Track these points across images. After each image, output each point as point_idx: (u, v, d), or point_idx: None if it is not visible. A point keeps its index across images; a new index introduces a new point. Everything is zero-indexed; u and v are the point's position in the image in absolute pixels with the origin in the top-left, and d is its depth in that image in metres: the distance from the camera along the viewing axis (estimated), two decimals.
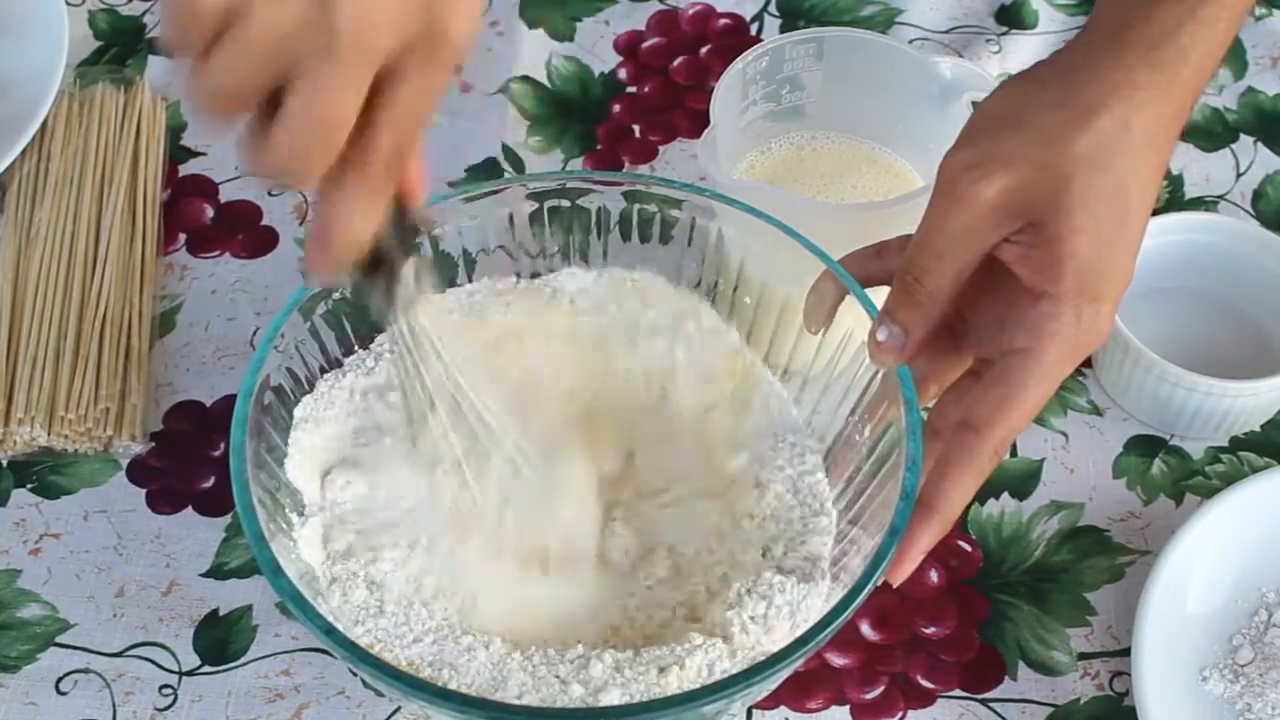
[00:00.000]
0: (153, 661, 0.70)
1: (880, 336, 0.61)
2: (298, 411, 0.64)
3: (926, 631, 0.71)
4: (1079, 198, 0.57)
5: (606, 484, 0.66)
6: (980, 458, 0.58)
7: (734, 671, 0.57)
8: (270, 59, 0.46)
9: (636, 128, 0.92)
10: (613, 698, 0.57)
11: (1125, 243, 0.58)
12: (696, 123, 0.91)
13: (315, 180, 0.49)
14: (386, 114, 0.49)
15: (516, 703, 0.58)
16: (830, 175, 0.77)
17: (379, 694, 0.68)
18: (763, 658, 0.57)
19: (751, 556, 0.63)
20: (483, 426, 0.60)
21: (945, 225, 0.59)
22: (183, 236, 0.86)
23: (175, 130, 0.91)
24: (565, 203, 0.70)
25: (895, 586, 0.59)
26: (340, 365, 0.67)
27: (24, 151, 0.86)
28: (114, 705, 0.68)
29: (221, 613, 0.71)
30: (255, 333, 0.82)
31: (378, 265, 0.54)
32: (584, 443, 0.66)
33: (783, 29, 0.96)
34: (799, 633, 0.58)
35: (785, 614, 0.60)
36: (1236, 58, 0.94)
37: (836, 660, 0.70)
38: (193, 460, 0.77)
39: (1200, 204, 0.87)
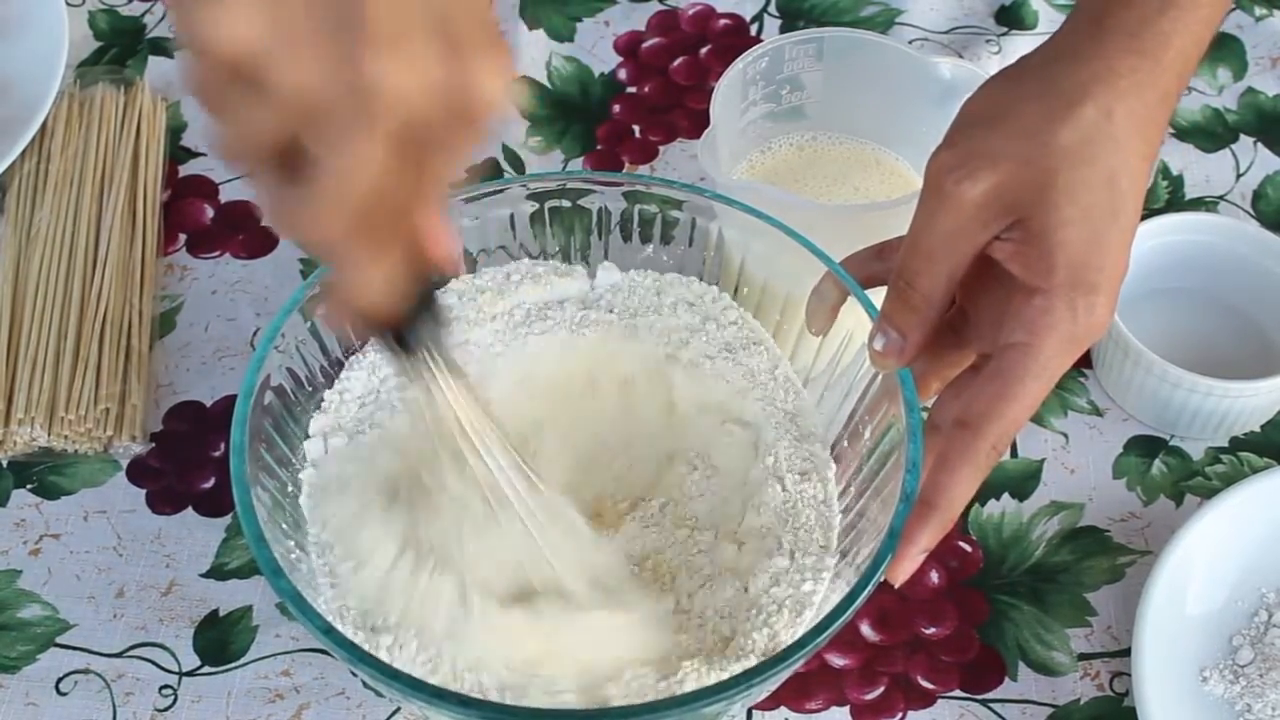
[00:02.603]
0: (153, 662, 0.70)
1: (878, 345, 0.61)
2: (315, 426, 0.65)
3: (927, 632, 0.71)
4: (1065, 191, 0.56)
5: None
6: (977, 455, 0.58)
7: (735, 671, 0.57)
8: (291, 116, 0.43)
9: (636, 128, 0.92)
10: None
11: (1118, 232, 0.57)
12: (696, 123, 0.91)
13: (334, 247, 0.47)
14: (411, 180, 0.45)
15: (517, 703, 0.58)
16: (831, 176, 0.77)
17: (379, 694, 0.68)
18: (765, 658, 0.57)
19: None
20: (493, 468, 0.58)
21: (933, 227, 0.58)
22: (183, 237, 0.86)
23: (175, 130, 0.91)
24: (565, 203, 0.70)
25: (896, 586, 0.59)
26: (342, 365, 0.67)
27: (24, 152, 0.86)
28: (114, 705, 0.68)
29: (221, 613, 0.71)
30: (255, 333, 0.82)
31: (397, 326, 0.52)
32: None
33: (783, 29, 0.96)
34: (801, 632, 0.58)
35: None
36: (1236, 58, 0.94)
37: (837, 661, 0.70)
38: (193, 460, 0.77)
39: (1200, 204, 0.87)
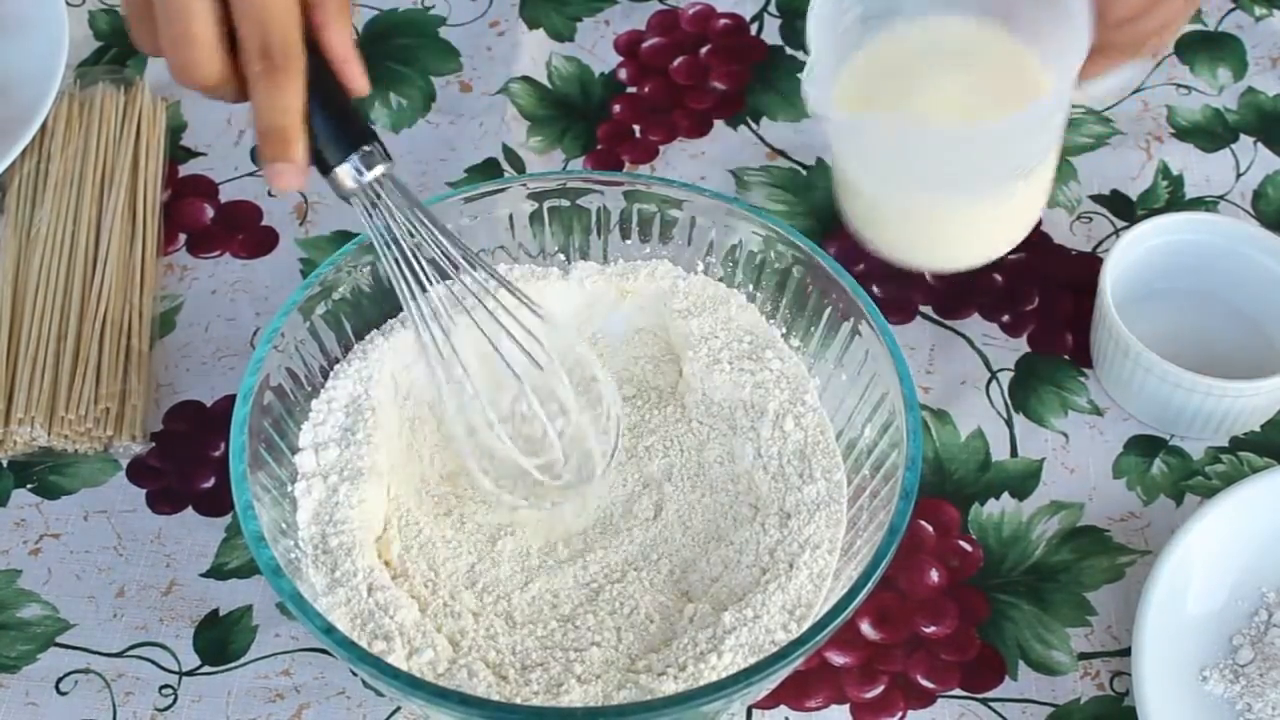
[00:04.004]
0: (153, 661, 0.70)
1: None
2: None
3: (927, 631, 0.71)
4: None
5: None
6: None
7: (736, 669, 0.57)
8: None
9: (636, 128, 0.92)
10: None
11: None
12: (696, 123, 0.91)
13: (211, 77, 0.56)
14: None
15: (517, 703, 0.58)
16: (940, 72, 0.68)
17: (379, 694, 0.68)
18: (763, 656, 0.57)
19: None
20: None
21: None
22: (183, 236, 0.86)
23: (175, 130, 0.91)
24: (565, 203, 0.70)
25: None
26: (339, 360, 0.67)
27: (24, 152, 0.86)
28: (114, 705, 0.68)
29: (221, 613, 0.71)
30: (255, 333, 0.82)
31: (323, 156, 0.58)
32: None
33: (783, 29, 0.96)
34: (799, 630, 0.58)
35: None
36: (1236, 58, 0.94)
37: (836, 659, 0.70)
38: (193, 460, 0.77)
39: (1200, 204, 0.87)
